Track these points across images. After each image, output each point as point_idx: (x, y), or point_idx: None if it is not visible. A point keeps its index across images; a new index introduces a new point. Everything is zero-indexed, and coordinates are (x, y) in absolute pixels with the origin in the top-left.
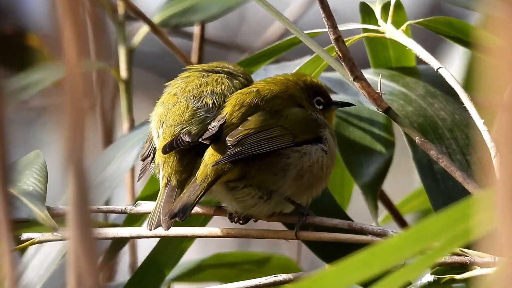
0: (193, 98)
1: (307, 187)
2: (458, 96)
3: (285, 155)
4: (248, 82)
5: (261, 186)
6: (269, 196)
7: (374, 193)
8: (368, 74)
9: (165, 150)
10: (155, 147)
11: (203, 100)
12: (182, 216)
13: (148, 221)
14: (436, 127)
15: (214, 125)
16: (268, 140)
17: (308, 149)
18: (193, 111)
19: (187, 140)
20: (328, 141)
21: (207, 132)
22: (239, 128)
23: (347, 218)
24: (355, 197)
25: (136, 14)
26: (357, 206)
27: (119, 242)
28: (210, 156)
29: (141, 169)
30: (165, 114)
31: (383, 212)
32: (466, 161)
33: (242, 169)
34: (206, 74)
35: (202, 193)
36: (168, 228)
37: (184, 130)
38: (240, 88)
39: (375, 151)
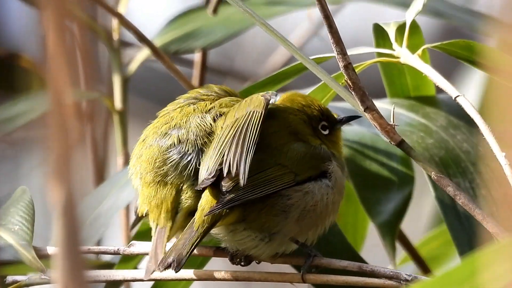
0: (159, 139)
1: (311, 227)
2: None
3: (285, 196)
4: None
5: (262, 228)
6: (271, 238)
7: (392, 233)
8: (384, 104)
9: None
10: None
11: (168, 139)
12: (177, 267)
13: (146, 270)
14: (458, 160)
15: (211, 173)
16: (266, 182)
17: (311, 187)
18: (163, 156)
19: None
20: (335, 174)
21: (203, 181)
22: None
23: (359, 259)
24: (370, 234)
25: (137, 37)
26: (371, 244)
27: (113, 285)
28: (206, 200)
29: (134, 221)
30: (139, 162)
31: (401, 252)
32: (491, 196)
33: (241, 213)
34: (179, 106)
35: (198, 240)
36: (162, 270)
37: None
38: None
39: (393, 187)
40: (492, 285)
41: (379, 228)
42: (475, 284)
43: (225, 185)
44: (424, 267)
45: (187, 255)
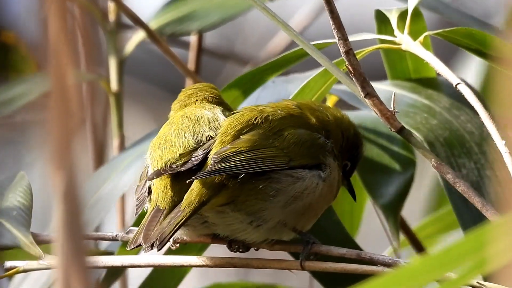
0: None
1: (298, 215)
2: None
3: (275, 179)
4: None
5: (250, 211)
6: (259, 223)
7: (395, 215)
8: (386, 86)
9: (152, 177)
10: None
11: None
12: (159, 245)
13: (130, 241)
14: (463, 141)
15: (198, 153)
16: (257, 160)
17: (303, 174)
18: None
19: (174, 166)
20: (331, 169)
21: (190, 161)
22: (228, 145)
23: (357, 247)
24: (363, 223)
25: (133, 20)
26: (364, 233)
27: (113, 272)
28: (196, 181)
29: (136, 207)
30: (160, 153)
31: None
32: (496, 176)
33: (231, 194)
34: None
35: (182, 220)
36: (147, 251)
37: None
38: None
39: (394, 170)
40: (496, 259)
41: (382, 209)
42: (478, 259)
43: (215, 156)
44: (422, 251)
45: (170, 234)
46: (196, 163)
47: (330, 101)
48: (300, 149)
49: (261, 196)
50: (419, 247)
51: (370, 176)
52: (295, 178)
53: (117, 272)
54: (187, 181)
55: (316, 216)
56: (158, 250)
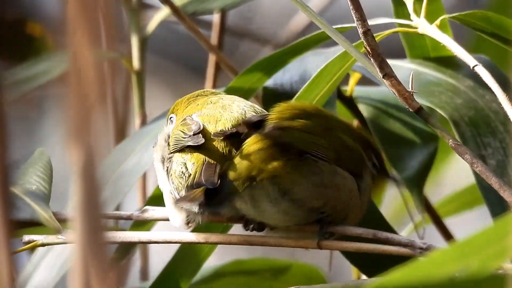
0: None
1: (328, 202)
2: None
3: (318, 167)
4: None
5: (286, 189)
6: (287, 200)
7: (420, 187)
8: (409, 64)
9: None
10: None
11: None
12: (211, 183)
13: (189, 181)
14: (488, 120)
15: (254, 115)
16: (308, 143)
17: (345, 174)
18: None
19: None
20: (366, 181)
21: (247, 118)
22: (286, 121)
23: (389, 226)
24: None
25: None
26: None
27: (127, 248)
28: (249, 141)
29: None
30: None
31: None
32: None
33: (277, 166)
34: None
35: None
36: (214, 185)
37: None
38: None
39: (417, 144)
40: None
41: (406, 182)
42: (504, 247)
43: (274, 124)
44: (443, 229)
45: (216, 171)
46: (255, 120)
47: (353, 78)
48: (347, 153)
49: (297, 172)
50: (440, 224)
51: (394, 150)
52: (336, 172)
53: (130, 249)
54: (243, 121)
55: (345, 216)
56: (212, 186)
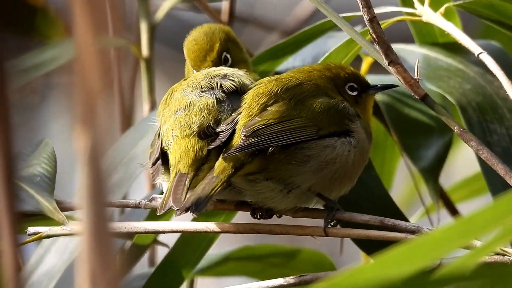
0: (196, 93)
1: (330, 182)
2: None
3: (305, 148)
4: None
5: (281, 179)
6: (290, 189)
7: (435, 177)
8: (420, 49)
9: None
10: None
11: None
12: (195, 209)
13: (159, 206)
14: (495, 107)
15: (224, 128)
16: (287, 132)
17: (332, 142)
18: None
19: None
20: (358, 135)
21: (218, 137)
22: (256, 118)
23: (399, 211)
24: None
25: None
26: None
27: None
28: (227, 149)
29: (152, 173)
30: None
31: (429, 200)
32: None
33: (262, 162)
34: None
35: (219, 186)
36: (181, 214)
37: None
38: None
39: (433, 133)
40: None
41: (421, 172)
42: (506, 225)
43: (245, 130)
44: (456, 213)
45: (208, 198)
46: (224, 139)
47: (366, 63)
48: (326, 118)
49: (293, 162)
50: (452, 210)
51: (409, 139)
52: (324, 145)
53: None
54: (222, 157)
55: (351, 182)
56: (197, 214)
